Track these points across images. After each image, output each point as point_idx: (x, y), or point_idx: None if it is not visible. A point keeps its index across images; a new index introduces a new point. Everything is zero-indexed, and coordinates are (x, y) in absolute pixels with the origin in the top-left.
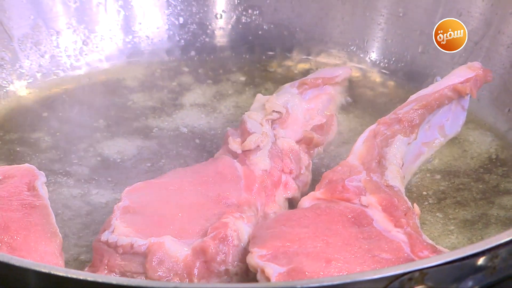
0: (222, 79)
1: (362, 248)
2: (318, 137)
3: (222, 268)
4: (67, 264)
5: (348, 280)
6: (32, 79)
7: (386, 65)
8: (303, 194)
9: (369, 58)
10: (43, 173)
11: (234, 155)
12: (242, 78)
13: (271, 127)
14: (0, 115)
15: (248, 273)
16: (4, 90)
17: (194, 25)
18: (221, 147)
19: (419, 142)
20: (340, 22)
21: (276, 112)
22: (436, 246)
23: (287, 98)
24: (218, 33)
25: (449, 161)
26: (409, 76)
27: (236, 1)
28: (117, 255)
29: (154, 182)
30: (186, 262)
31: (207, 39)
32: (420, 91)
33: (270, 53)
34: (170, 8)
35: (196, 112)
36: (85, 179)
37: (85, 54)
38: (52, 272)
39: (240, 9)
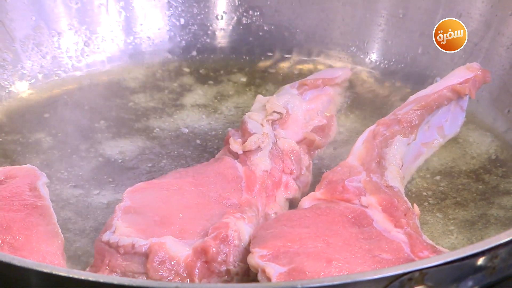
0: (223, 80)
1: (362, 248)
2: (319, 139)
3: (223, 268)
4: (69, 264)
5: (348, 280)
6: (33, 80)
7: (386, 66)
8: (304, 194)
9: (369, 59)
10: (45, 174)
11: (235, 156)
12: (243, 79)
13: (272, 128)
14: (2, 115)
15: (249, 273)
16: (6, 91)
17: (195, 26)
18: (222, 148)
19: (418, 142)
20: (340, 24)
21: (277, 112)
22: (436, 246)
23: (288, 99)
24: (219, 34)
25: (449, 162)
26: (409, 77)
27: (237, 2)
28: (119, 255)
29: (155, 183)
30: (187, 262)
31: (208, 40)
32: (419, 92)
33: (271, 54)
34: (171, 9)
35: (197, 112)
36: (86, 179)
37: (87, 55)
38: (54, 272)
39: (241, 10)
